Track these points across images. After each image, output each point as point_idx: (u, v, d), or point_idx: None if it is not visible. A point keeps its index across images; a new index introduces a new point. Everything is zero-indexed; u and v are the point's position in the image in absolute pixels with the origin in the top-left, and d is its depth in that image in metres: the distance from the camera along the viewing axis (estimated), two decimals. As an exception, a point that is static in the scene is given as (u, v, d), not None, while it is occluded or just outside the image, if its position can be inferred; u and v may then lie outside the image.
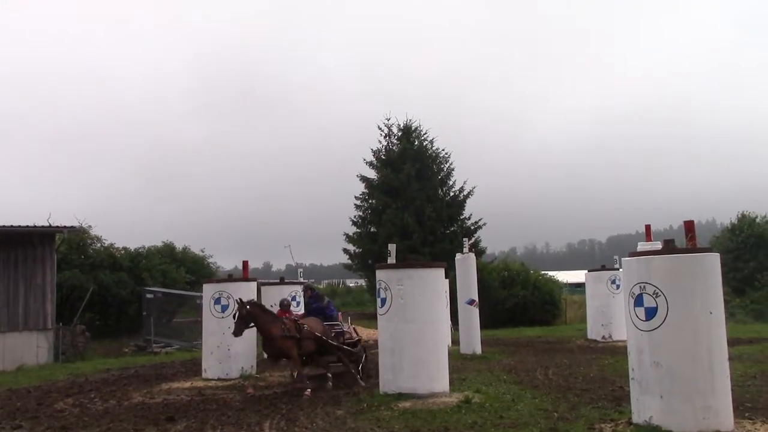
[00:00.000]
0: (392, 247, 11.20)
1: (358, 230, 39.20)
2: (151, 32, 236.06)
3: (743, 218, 55.73)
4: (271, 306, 16.89)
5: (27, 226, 20.74)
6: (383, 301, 10.62)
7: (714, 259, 7.42)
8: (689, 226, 7.73)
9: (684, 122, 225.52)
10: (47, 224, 22.02)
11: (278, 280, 18.79)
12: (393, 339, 10.45)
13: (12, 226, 20.16)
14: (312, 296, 13.68)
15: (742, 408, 8.49)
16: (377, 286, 10.89)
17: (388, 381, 10.43)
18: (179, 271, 29.92)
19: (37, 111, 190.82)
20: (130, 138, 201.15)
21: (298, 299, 17.70)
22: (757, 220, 55.97)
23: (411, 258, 11.47)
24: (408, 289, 10.38)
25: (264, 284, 18.67)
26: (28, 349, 20.00)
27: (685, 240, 7.81)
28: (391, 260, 10.99)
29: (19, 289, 20.28)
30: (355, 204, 39.29)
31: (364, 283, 45.16)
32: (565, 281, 44.83)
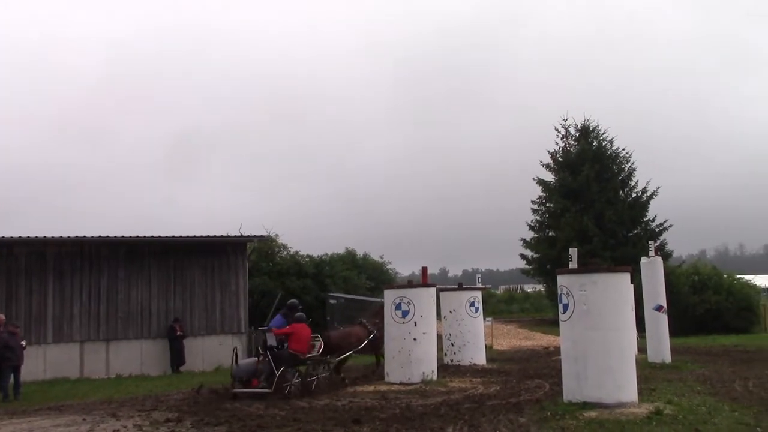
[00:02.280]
0: (573, 251, 10.90)
1: (535, 235, 38.71)
2: (348, 41, 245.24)
3: None
4: (451, 311, 17.05)
5: (222, 236, 22.28)
6: (565, 307, 10.35)
7: None
8: None
9: None
10: (239, 234, 23.53)
11: (456, 286, 18.89)
12: (576, 346, 10.14)
13: (209, 236, 21.72)
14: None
15: None
16: (558, 292, 10.62)
17: (573, 389, 10.13)
18: (360, 277, 30.89)
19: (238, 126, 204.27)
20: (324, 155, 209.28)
21: (476, 305, 17.73)
22: None
23: (593, 262, 11.07)
24: (591, 295, 10.03)
25: (443, 290, 18.85)
26: (224, 350, 21.44)
27: None
28: (573, 265, 10.69)
29: (215, 295, 21.78)
30: (532, 208, 38.87)
31: (542, 289, 44.42)
32: (763, 286, 41.59)
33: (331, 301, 26.35)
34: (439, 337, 17.13)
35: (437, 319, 16.17)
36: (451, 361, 17.33)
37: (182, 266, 21.50)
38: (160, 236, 20.96)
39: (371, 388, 13.37)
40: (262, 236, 23.94)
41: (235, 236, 22.82)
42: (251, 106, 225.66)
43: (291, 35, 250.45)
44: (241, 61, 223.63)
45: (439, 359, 15.98)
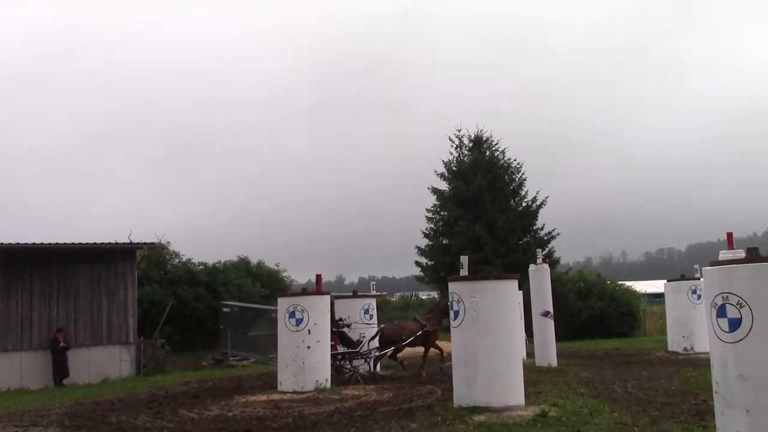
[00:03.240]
0: (465, 259, 11.14)
1: (430, 242, 39.21)
2: (248, 47, 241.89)
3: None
4: (343, 318, 17.12)
5: (110, 243, 21.50)
6: (456, 313, 10.57)
7: (801, 268, 7.11)
8: (774, 233, 7.43)
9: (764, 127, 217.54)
10: (129, 241, 22.79)
11: (351, 294, 18.93)
12: (467, 352, 10.38)
13: (96, 243, 20.91)
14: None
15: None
16: (450, 299, 10.85)
17: (463, 394, 10.36)
18: (255, 285, 30.50)
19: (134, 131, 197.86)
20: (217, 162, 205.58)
21: (370, 312, 17.82)
22: None
23: (483, 269, 11.35)
24: (481, 302, 10.30)
25: (337, 297, 18.85)
26: (111, 362, 20.70)
27: (771, 248, 7.54)
28: (464, 272, 10.93)
29: (102, 304, 21.02)
30: (426, 216, 39.37)
31: (436, 296, 45.09)
32: (643, 291, 43.74)
33: (225, 310, 25.89)
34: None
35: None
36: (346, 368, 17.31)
37: (67, 274, 20.64)
38: (42, 243, 20.04)
39: (264, 397, 13.22)
40: (152, 243, 23.27)
41: (123, 243, 22.07)
42: (147, 108, 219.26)
43: (189, 37, 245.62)
44: (135, 61, 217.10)
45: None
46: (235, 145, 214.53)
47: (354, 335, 16.28)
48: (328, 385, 13.92)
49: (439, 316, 16.97)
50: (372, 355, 16.08)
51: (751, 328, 6.93)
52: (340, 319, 16.71)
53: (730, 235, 10.58)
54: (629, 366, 16.53)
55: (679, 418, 9.08)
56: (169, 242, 29.52)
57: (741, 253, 7.63)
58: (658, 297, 38.29)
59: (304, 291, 15.17)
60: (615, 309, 31.28)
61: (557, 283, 27.13)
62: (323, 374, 13.96)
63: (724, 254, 8.57)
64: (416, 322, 17.05)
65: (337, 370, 15.38)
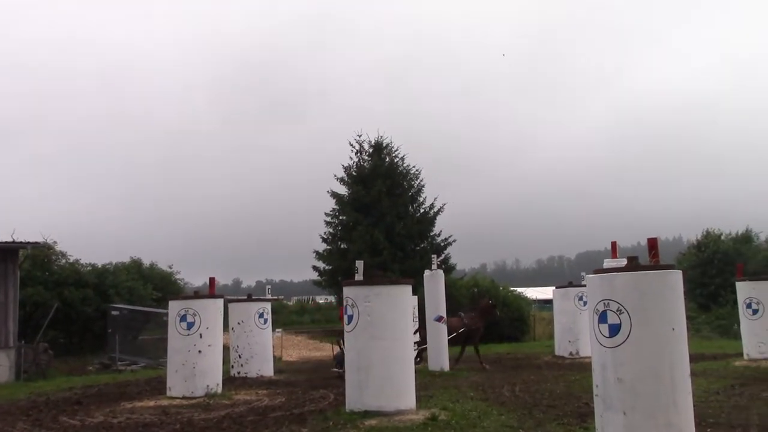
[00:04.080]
0: (360, 264, 11.17)
1: (328, 247, 39.15)
2: (161, 46, 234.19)
3: (708, 235, 56.61)
4: (239, 323, 16.89)
5: (-10, 242, 20.38)
6: (350, 318, 10.58)
7: (677, 276, 7.49)
8: (652, 243, 7.79)
9: (657, 144, 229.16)
10: (10, 240, 21.65)
11: (246, 297, 18.66)
12: (360, 356, 10.41)
13: (-27, 241, 19.79)
14: None
15: (704, 424, 8.58)
16: (344, 303, 10.85)
17: (355, 399, 10.37)
18: (146, 288, 29.59)
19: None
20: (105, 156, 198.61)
21: (265, 316, 17.61)
22: (722, 237, 56.92)
23: (377, 274, 11.42)
24: (375, 306, 10.35)
25: (231, 301, 18.55)
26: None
27: (649, 257, 7.89)
28: (359, 277, 10.96)
29: (-20, 306, 19.89)
30: (325, 220, 39.30)
31: (333, 300, 45.08)
32: (534, 298, 45.09)
33: (114, 313, 24.97)
34: (227, 349, 16.85)
35: (225, 330, 15.90)
36: (238, 373, 17.06)
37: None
38: None
39: (152, 403, 12.83)
40: (36, 243, 22.17)
41: (4, 242, 20.95)
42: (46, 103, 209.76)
43: (98, 32, 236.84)
44: (31, 57, 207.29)
45: (226, 372, 15.70)
46: (134, 145, 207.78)
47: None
48: (219, 390, 13.66)
49: (482, 315, 18.29)
50: (415, 348, 16.13)
51: (629, 334, 7.24)
52: None
53: (614, 245, 11.02)
54: (518, 370, 17.00)
55: (563, 420, 9.39)
56: (55, 242, 28.23)
57: (623, 262, 7.95)
58: (548, 303, 39.50)
59: (197, 294, 14.84)
60: (506, 314, 32.07)
61: (452, 288, 27.60)
62: (214, 379, 13.68)
63: (608, 263, 8.92)
64: (459, 318, 18.10)
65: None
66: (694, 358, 16.11)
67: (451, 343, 17.33)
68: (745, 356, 16.64)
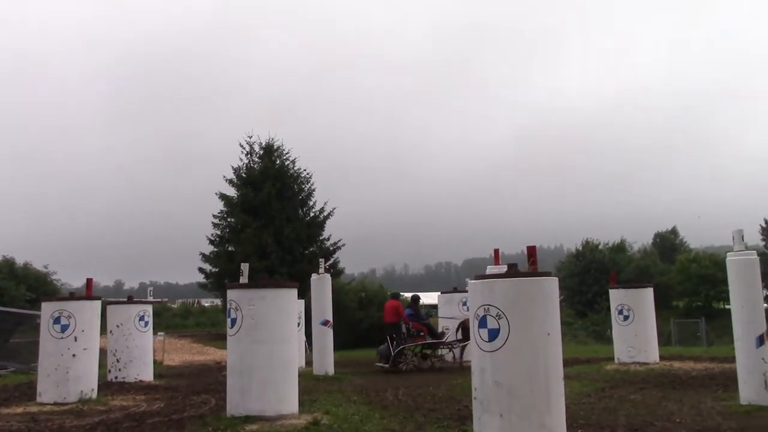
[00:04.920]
0: (245, 266, 11.02)
1: (215, 249, 38.45)
2: (61, 39, 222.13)
3: (587, 245, 59.25)
4: (118, 326, 16.27)
5: None
6: (233, 321, 10.41)
7: (553, 283, 7.75)
8: (531, 251, 8.05)
9: (546, 157, 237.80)
10: None
11: (126, 299, 18.03)
12: (242, 360, 10.25)
13: None
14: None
15: (576, 425, 8.93)
16: (228, 306, 10.66)
17: (236, 403, 10.19)
18: (19, 289, 28.15)
19: None
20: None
21: (146, 319, 17.06)
22: (600, 246, 59.68)
23: (262, 277, 11.29)
24: (259, 309, 10.22)
25: (111, 303, 17.87)
26: None
27: (528, 264, 8.14)
28: (243, 279, 10.81)
29: None
30: (213, 222, 38.58)
31: (219, 303, 44.28)
32: (421, 303, 45.70)
33: (-19, 314, 23.59)
34: (105, 352, 16.21)
35: (103, 334, 15.29)
36: (116, 378, 16.43)
37: None
38: None
39: (20, 409, 12.17)
40: None
41: None
42: None
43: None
44: None
45: (102, 376, 15.11)
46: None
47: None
48: (95, 395, 13.11)
49: None
50: (456, 345, 18.79)
51: (507, 338, 7.44)
52: (428, 314, 20.02)
53: (497, 252, 11.32)
54: (403, 374, 17.18)
55: (443, 423, 9.55)
56: None
57: (505, 269, 8.16)
58: (435, 308, 40.22)
59: (72, 295, 14.20)
60: (394, 319, 32.41)
61: (339, 292, 27.68)
62: (89, 384, 13.11)
63: (490, 269, 9.14)
64: None
65: (423, 357, 18.68)
66: (569, 362, 16.82)
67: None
68: (616, 360, 17.44)
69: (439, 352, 19.17)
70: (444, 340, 18.97)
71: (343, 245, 38.98)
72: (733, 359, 11.46)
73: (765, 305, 11.53)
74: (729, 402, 10.82)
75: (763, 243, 59.14)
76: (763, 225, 60.03)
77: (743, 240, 11.28)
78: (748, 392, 10.70)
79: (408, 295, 39.61)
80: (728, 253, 11.36)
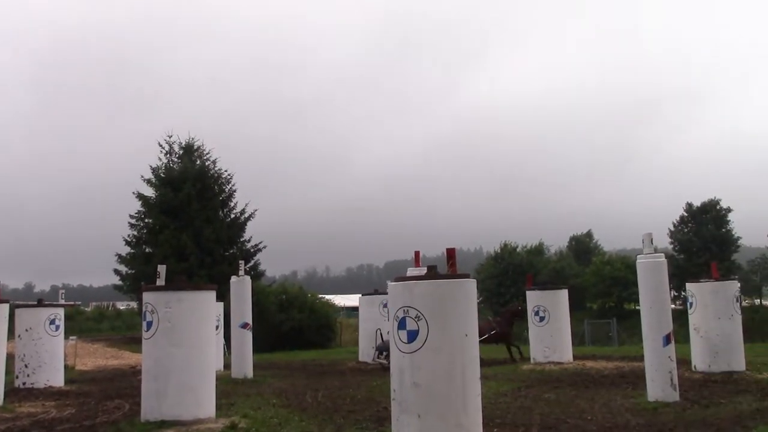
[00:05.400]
0: (162, 268, 10.79)
1: (131, 251, 37.48)
2: None
3: (505, 247, 60.48)
4: (27, 330, 15.73)
5: None
6: (149, 324, 10.17)
7: (471, 285, 7.88)
8: (451, 253, 8.15)
9: (464, 159, 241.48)
10: None
11: (36, 302, 17.37)
12: (158, 364, 10.02)
13: None
14: None
15: (492, 424, 9.10)
16: (144, 309, 10.42)
17: (151, 408, 9.96)
18: None
19: None
20: None
21: (57, 323, 16.49)
22: (518, 249, 60.99)
23: (180, 279, 11.07)
24: (176, 312, 10.02)
25: (19, 306, 17.19)
26: None
27: (447, 266, 8.24)
28: (160, 282, 10.58)
29: None
30: (130, 223, 37.57)
31: (135, 306, 43.19)
32: (342, 305, 45.80)
33: None
34: (12, 358, 15.58)
35: (11, 338, 14.69)
36: (24, 384, 15.80)
37: None
38: None
39: None
40: None
41: None
42: None
43: None
44: None
45: (9, 383, 14.51)
46: None
47: None
48: (0, 402, 12.59)
49: (509, 318, 20.07)
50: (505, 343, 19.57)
51: (426, 340, 7.52)
52: None
53: (417, 254, 11.34)
54: (322, 376, 17.14)
55: (362, 424, 9.58)
56: None
57: (424, 271, 8.23)
58: (356, 310, 40.34)
59: (-23, 298, 13.60)
60: (314, 321, 32.38)
61: (260, 295, 27.43)
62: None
63: (410, 271, 9.16)
64: (487, 322, 20.13)
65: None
66: (486, 362, 17.18)
67: (483, 343, 18.13)
68: (532, 360, 17.85)
69: None
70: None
71: (264, 247, 38.65)
72: (642, 358, 11.90)
73: (672, 306, 11.99)
74: (637, 399, 11.22)
75: (672, 246, 61.56)
76: (672, 229, 62.45)
77: (652, 243, 11.73)
78: (655, 390, 11.13)
79: (329, 297, 39.62)
80: (638, 256, 11.79)
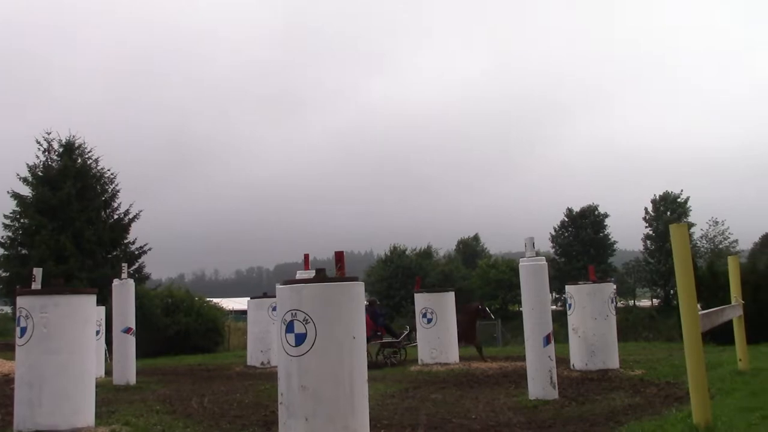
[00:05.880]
0: (38, 271, 10.34)
1: (5, 252, 35.63)
2: None
3: (395, 250, 61.20)
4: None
5: None
6: (23, 330, 9.68)
7: (359, 288, 7.95)
8: (339, 256, 8.20)
9: (356, 163, 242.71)
10: None
11: None
12: (32, 371, 9.55)
13: None
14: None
15: (379, 425, 9.19)
16: (17, 314, 9.91)
17: (24, 417, 9.48)
18: None
19: None
20: None
21: None
22: (407, 252, 61.85)
23: (57, 283, 10.63)
24: (53, 317, 9.59)
25: None
26: None
27: (335, 269, 8.28)
28: (36, 285, 10.11)
29: None
30: (3, 223, 35.69)
31: (9, 311, 41.05)
32: (231, 308, 45.06)
33: None
34: None
35: None
36: None
37: None
38: None
39: None
40: None
41: None
42: None
43: None
44: None
45: None
46: None
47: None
48: None
49: (471, 317, 19.64)
50: (407, 344, 19.86)
51: (314, 343, 7.52)
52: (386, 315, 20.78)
53: (306, 257, 11.34)
54: (209, 381, 16.80)
55: (249, 429, 9.48)
56: None
57: (313, 274, 8.24)
58: (245, 313, 39.81)
59: None
60: (201, 325, 31.68)
61: (144, 299, 26.64)
62: None
63: (300, 274, 9.15)
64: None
65: (385, 356, 19.43)
66: (375, 365, 17.37)
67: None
68: (420, 362, 18.14)
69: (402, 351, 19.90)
70: (400, 340, 19.83)
71: (150, 249, 37.61)
72: (524, 358, 12.32)
73: (553, 307, 12.48)
74: (519, 398, 11.61)
75: (553, 250, 64.07)
76: (553, 233, 64.98)
77: (534, 247, 12.18)
78: (535, 388, 11.56)
79: (217, 300, 38.93)
80: (521, 260, 12.21)
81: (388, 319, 21.34)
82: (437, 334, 18.09)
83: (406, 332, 20.26)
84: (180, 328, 30.61)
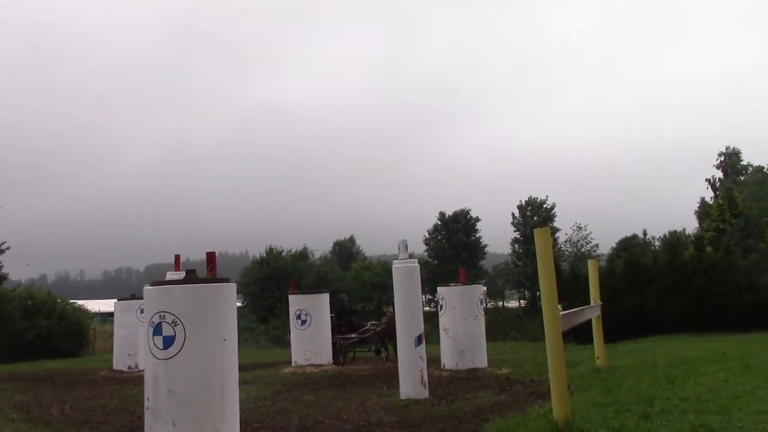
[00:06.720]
0: None
1: None
2: None
3: (271, 252, 60.64)
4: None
5: None
6: None
7: (230, 289, 7.84)
8: (210, 257, 8.07)
9: (232, 163, 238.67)
10: None
11: None
12: None
13: None
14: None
15: (251, 428, 9.10)
16: None
17: None
18: None
19: None
20: None
21: None
22: (283, 253, 61.42)
23: None
24: None
25: None
26: None
27: (207, 270, 8.12)
28: None
29: None
30: None
31: None
32: (97, 310, 43.27)
33: None
34: None
35: None
36: None
37: None
38: None
39: None
40: None
41: None
42: None
43: None
44: None
45: None
46: None
47: None
48: None
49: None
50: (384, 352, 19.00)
51: (183, 345, 7.36)
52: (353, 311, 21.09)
53: (177, 257, 11.07)
54: (72, 387, 16.04)
55: (112, 435, 9.14)
56: None
57: (183, 275, 8.06)
58: (112, 316, 38.32)
59: None
60: (64, 328, 30.20)
61: (1, 301, 25.17)
62: None
63: (170, 275, 8.93)
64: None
65: (350, 353, 19.34)
66: (248, 367, 17.14)
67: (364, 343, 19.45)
68: (293, 363, 18.06)
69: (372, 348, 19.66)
70: (364, 337, 19.32)
71: (8, 248, 35.43)
72: (397, 358, 12.51)
73: (426, 308, 12.76)
74: (391, 398, 11.78)
75: (426, 252, 65.41)
76: (426, 236, 66.34)
77: (407, 249, 12.42)
78: (407, 388, 11.78)
79: (82, 302, 37.29)
80: (394, 261, 12.41)
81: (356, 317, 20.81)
82: (311, 335, 18.07)
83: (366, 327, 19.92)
84: (40, 331, 29.01)
